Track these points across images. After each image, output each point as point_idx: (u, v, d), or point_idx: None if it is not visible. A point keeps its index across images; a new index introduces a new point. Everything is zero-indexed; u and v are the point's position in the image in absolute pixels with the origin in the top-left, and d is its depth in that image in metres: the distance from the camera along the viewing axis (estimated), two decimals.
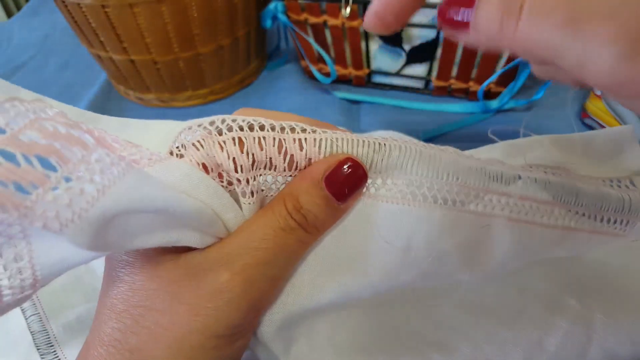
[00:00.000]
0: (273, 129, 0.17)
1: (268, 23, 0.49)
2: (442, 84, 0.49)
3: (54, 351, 0.27)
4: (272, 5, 0.47)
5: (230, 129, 0.17)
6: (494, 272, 0.20)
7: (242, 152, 0.17)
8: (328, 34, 0.48)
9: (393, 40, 0.47)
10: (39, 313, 0.28)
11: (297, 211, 0.17)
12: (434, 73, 0.48)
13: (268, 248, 0.17)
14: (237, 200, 0.18)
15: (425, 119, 0.48)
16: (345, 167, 0.17)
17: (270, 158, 0.17)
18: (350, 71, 0.52)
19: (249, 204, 0.18)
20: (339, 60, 0.51)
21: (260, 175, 0.18)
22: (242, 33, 0.50)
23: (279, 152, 0.17)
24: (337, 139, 0.18)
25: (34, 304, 0.28)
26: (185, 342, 0.17)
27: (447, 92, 0.50)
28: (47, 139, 0.12)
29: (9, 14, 1.16)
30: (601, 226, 0.19)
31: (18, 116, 0.12)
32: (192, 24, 0.45)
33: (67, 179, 0.12)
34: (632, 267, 0.24)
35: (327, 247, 0.19)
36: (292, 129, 0.18)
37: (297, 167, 0.18)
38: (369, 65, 0.50)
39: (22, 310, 0.28)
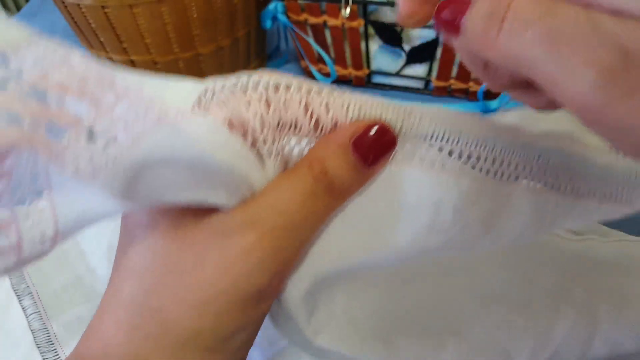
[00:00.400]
0: (300, 89, 0.17)
1: (268, 23, 0.49)
2: (442, 84, 0.49)
3: (55, 349, 0.27)
4: (272, 6, 0.47)
5: (256, 88, 0.17)
6: (511, 241, 0.20)
7: (268, 111, 0.16)
8: (328, 34, 0.48)
9: (393, 40, 0.47)
10: (39, 311, 0.28)
11: (323, 176, 0.17)
12: (434, 73, 0.48)
13: (296, 212, 0.17)
14: (261, 161, 0.17)
15: None
16: (373, 130, 0.17)
17: (296, 119, 0.17)
18: (350, 71, 0.52)
19: (274, 165, 0.17)
20: (339, 60, 0.51)
21: (285, 136, 0.17)
22: (242, 33, 0.50)
23: (305, 114, 0.17)
24: (365, 102, 0.17)
25: (35, 303, 0.29)
26: (211, 304, 0.16)
27: (447, 93, 0.50)
28: (79, 80, 0.11)
29: (9, 14, 1.16)
30: (610, 194, 0.19)
31: (47, 54, 0.11)
32: (192, 24, 0.45)
33: (101, 124, 0.12)
34: (635, 263, 0.24)
35: (354, 213, 0.19)
36: (319, 92, 0.17)
37: (322, 130, 0.17)
38: (369, 66, 0.51)
39: (23, 308, 0.28)
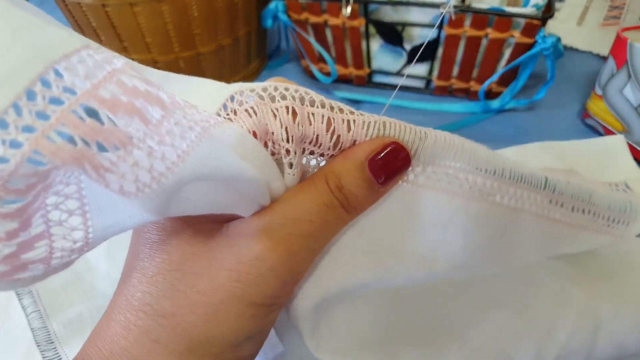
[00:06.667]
0: (323, 105, 0.17)
1: (269, 22, 0.49)
2: (443, 83, 0.49)
3: (55, 348, 0.27)
4: (272, 5, 0.47)
5: (283, 98, 0.17)
6: (515, 265, 0.21)
7: (294, 123, 0.17)
8: (329, 33, 0.48)
9: (394, 39, 0.47)
10: (39, 310, 0.28)
11: (338, 190, 0.17)
12: (435, 73, 0.48)
13: (312, 221, 0.17)
14: (281, 170, 0.18)
15: (426, 119, 0.48)
16: (388, 149, 0.17)
17: (317, 135, 0.17)
18: (351, 71, 0.52)
19: (293, 175, 0.18)
20: (340, 59, 0.51)
21: (306, 149, 0.18)
22: (242, 33, 0.50)
23: (327, 131, 0.17)
24: (385, 122, 0.18)
25: (34, 301, 0.28)
26: (222, 309, 0.16)
27: (448, 92, 0.50)
28: (128, 96, 0.11)
29: None
30: (607, 226, 0.20)
31: (96, 68, 0.11)
32: (193, 23, 0.45)
33: (149, 142, 0.12)
34: (635, 259, 0.25)
35: (364, 229, 0.19)
36: (341, 110, 0.17)
37: (342, 147, 0.18)
38: (369, 65, 0.50)
39: (23, 307, 0.28)
